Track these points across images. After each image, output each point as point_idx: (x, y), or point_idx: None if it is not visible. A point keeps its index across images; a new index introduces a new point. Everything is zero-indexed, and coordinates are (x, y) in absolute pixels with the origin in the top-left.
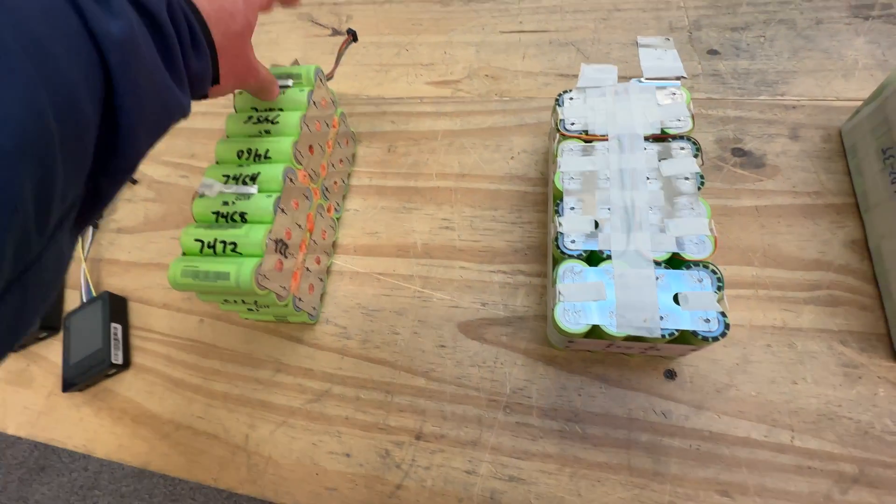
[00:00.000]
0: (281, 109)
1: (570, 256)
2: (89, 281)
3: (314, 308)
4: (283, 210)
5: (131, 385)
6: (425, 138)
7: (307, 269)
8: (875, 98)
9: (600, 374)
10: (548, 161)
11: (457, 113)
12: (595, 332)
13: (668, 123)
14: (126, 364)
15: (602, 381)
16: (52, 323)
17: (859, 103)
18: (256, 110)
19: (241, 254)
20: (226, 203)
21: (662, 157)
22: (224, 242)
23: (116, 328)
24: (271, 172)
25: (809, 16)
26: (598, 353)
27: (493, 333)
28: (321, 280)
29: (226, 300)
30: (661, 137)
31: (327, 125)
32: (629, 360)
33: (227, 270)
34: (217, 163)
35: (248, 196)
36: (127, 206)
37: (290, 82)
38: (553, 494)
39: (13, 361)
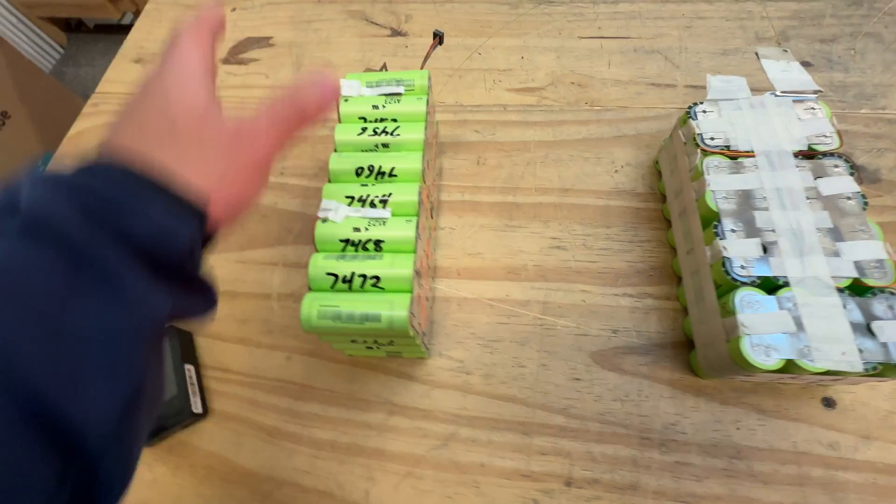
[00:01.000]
0: (395, 120)
1: (744, 283)
2: None
3: (426, 336)
4: (419, 237)
5: (214, 436)
6: (517, 150)
7: (426, 298)
8: None
9: (755, 404)
10: (658, 174)
11: (546, 122)
12: (788, 366)
13: (813, 140)
14: (204, 413)
15: (759, 411)
16: None
17: None
18: (366, 120)
19: (383, 289)
20: (357, 229)
21: (817, 175)
22: (364, 276)
23: (190, 369)
24: (405, 193)
25: (894, 29)
26: (749, 382)
27: (631, 363)
28: (428, 301)
29: (353, 340)
30: (809, 154)
31: (432, 135)
32: (784, 389)
33: (378, 312)
34: (330, 181)
35: (382, 221)
36: None
37: (401, 89)
38: None
39: None
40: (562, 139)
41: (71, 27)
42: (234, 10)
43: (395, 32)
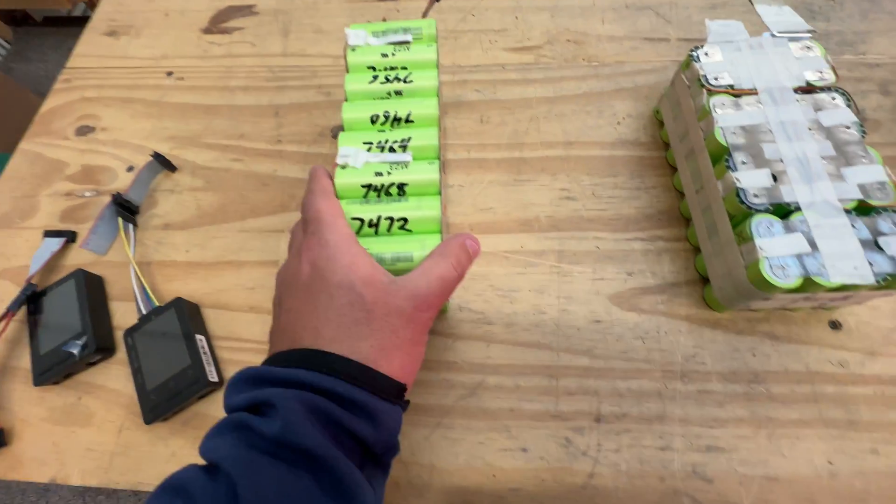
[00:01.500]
0: (405, 68)
1: (759, 211)
2: (146, 288)
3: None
4: (442, 178)
5: None
6: (519, 107)
7: None
8: None
9: (768, 331)
10: (659, 124)
11: (546, 80)
12: (806, 284)
13: (810, 76)
14: (220, 381)
15: (772, 338)
16: (104, 343)
17: None
18: (375, 69)
19: (411, 231)
20: (379, 174)
21: (817, 108)
22: (391, 219)
23: (202, 340)
24: (425, 136)
25: None
26: (761, 311)
27: (649, 303)
28: None
29: None
30: (808, 90)
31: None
32: (793, 316)
33: (410, 252)
34: (344, 130)
35: (405, 164)
36: (171, 198)
37: (409, 37)
38: (757, 459)
39: (55, 395)
40: (562, 95)
41: (16, 20)
42: None
43: None
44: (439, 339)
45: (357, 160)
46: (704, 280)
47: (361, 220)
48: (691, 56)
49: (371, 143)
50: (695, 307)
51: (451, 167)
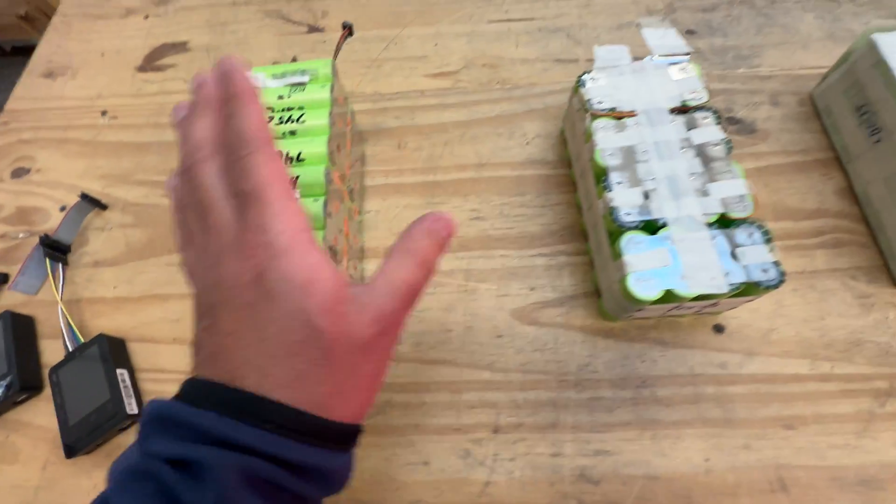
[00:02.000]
0: (301, 108)
1: (629, 228)
2: (72, 325)
3: None
4: (329, 215)
5: None
6: (435, 131)
7: (351, 276)
8: (841, 64)
9: (657, 338)
10: (565, 143)
11: (462, 104)
12: (668, 296)
13: (686, 96)
14: (140, 414)
15: (660, 344)
16: (30, 382)
17: (822, 70)
18: (273, 110)
19: None
20: None
21: (689, 127)
22: None
23: (123, 374)
24: (312, 175)
25: None
26: (651, 319)
27: (548, 316)
28: None
29: None
30: (683, 109)
31: (344, 122)
32: (681, 322)
33: None
34: None
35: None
36: (101, 236)
37: (305, 78)
38: (640, 459)
39: None
40: (476, 118)
41: None
42: (146, 17)
43: (312, 28)
44: None
45: None
46: (598, 291)
47: None
48: (579, 82)
49: None
50: (590, 318)
51: (370, 193)
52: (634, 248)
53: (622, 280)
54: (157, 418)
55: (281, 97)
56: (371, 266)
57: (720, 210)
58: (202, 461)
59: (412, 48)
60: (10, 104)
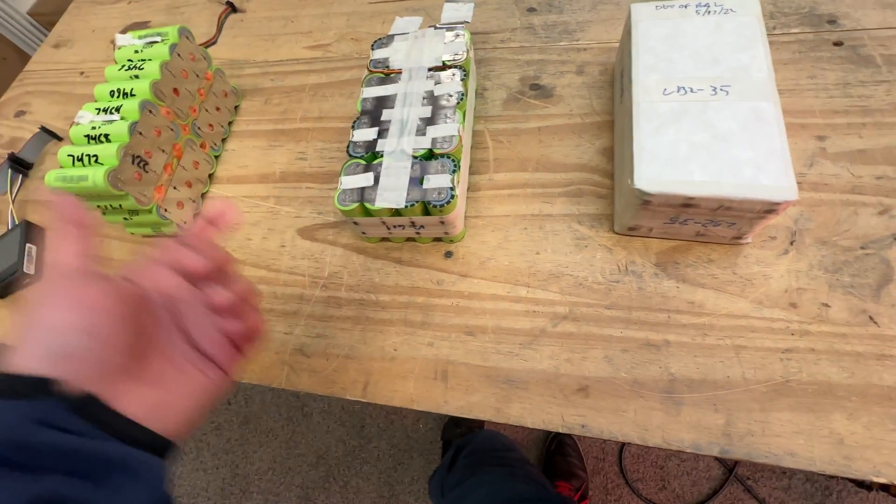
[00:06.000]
0: (147, 59)
1: (354, 157)
2: (14, 216)
3: (185, 222)
4: (140, 133)
5: None
6: (295, 91)
7: (174, 187)
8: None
9: (397, 257)
10: None
11: (323, 70)
12: (363, 209)
13: (451, 57)
14: (38, 276)
15: (398, 262)
16: None
17: None
18: (131, 61)
19: (102, 164)
20: (94, 128)
21: (437, 82)
22: (89, 155)
23: (31, 248)
24: (131, 105)
25: None
26: (397, 241)
27: (323, 234)
28: (193, 201)
29: (103, 209)
30: (441, 68)
31: (197, 76)
32: (420, 247)
33: (86, 174)
34: (95, 100)
35: (111, 123)
36: (54, 158)
37: (158, 38)
38: (346, 344)
39: None
40: (330, 81)
41: None
42: (129, 2)
43: (233, 9)
44: None
45: (85, 119)
46: None
47: (73, 156)
48: (372, 46)
49: (100, 109)
50: (355, 239)
51: (234, 137)
52: (351, 172)
53: (335, 196)
54: None
55: (137, 51)
56: (217, 189)
57: (427, 146)
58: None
59: (304, 25)
60: (28, 67)
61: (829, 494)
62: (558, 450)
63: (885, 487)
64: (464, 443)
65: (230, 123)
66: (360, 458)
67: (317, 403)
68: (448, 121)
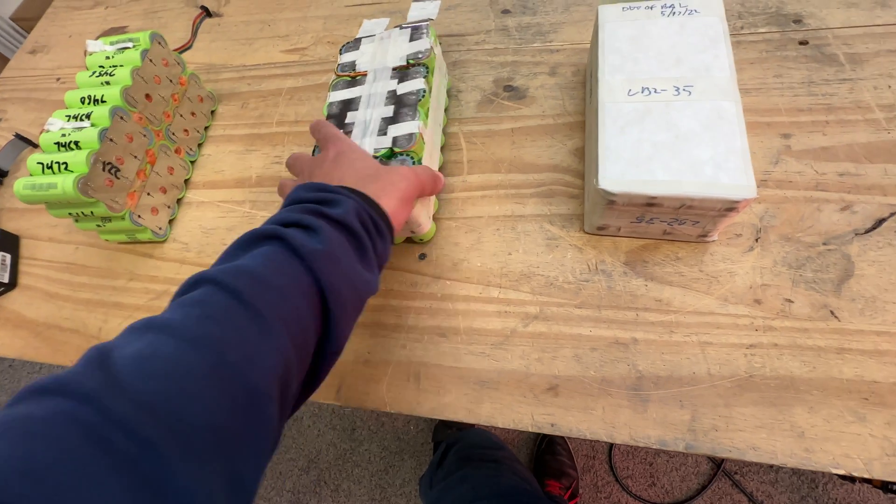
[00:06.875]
0: (118, 65)
1: None
2: None
3: (160, 228)
4: (111, 140)
5: (15, 300)
6: (272, 95)
7: (148, 193)
8: None
9: None
10: None
11: (300, 73)
12: None
13: (414, 56)
14: (12, 285)
15: None
16: None
17: None
18: (102, 67)
19: (72, 171)
20: (64, 135)
21: (400, 80)
22: (59, 163)
23: (5, 256)
24: (102, 112)
25: None
26: None
27: None
28: (168, 207)
29: (75, 217)
30: (405, 68)
31: (171, 81)
32: (394, 249)
33: (55, 181)
34: (66, 107)
35: (81, 129)
36: (24, 166)
37: (129, 44)
38: None
39: None
40: (306, 85)
41: None
42: (106, 7)
43: (207, 14)
44: (152, 261)
45: (55, 127)
46: None
47: (42, 164)
48: (340, 50)
49: (70, 116)
50: None
51: (210, 141)
52: None
53: None
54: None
55: (108, 57)
56: (192, 195)
57: (388, 145)
58: (337, 198)
59: (281, 29)
60: (3, 73)
61: (815, 487)
62: (548, 449)
63: (867, 479)
64: (453, 441)
65: (206, 128)
66: (351, 462)
67: (307, 407)
68: (409, 119)
